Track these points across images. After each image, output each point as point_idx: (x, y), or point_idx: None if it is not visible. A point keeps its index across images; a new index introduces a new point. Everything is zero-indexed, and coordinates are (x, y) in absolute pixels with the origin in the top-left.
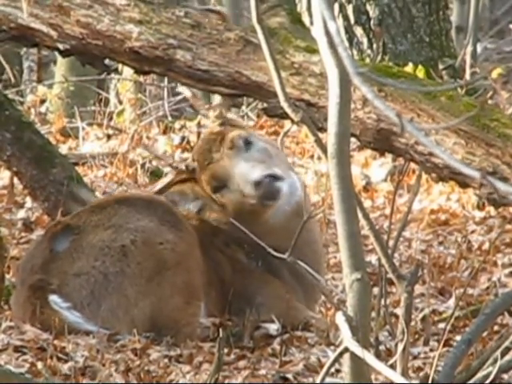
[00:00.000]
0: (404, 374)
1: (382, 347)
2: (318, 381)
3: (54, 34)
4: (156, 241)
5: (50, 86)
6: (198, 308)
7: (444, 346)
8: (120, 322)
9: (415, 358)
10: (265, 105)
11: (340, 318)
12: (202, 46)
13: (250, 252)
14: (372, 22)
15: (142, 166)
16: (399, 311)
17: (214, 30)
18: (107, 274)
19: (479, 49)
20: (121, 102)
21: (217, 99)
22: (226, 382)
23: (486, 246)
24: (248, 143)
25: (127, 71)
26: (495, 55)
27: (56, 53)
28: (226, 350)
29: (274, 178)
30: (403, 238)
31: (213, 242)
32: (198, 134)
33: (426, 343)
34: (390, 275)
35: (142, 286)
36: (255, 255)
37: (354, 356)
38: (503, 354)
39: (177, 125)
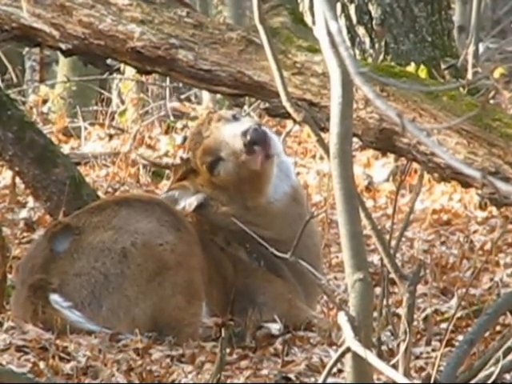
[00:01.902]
0: (406, 373)
1: (384, 347)
2: (320, 381)
3: (56, 33)
4: (156, 242)
5: (52, 86)
6: (199, 308)
7: (446, 345)
8: (121, 321)
9: (417, 357)
10: (267, 104)
11: (342, 318)
12: (204, 45)
13: (251, 251)
14: (374, 21)
15: (144, 165)
16: (401, 311)
17: (216, 30)
18: (108, 275)
19: (481, 48)
20: (123, 102)
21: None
22: (228, 381)
23: (488, 246)
24: (236, 118)
25: (129, 71)
26: (497, 55)
27: (58, 53)
28: (228, 350)
29: (260, 126)
30: (405, 238)
31: (213, 241)
32: None
33: (428, 343)
34: (392, 275)
35: (143, 286)
36: (257, 254)
37: (356, 356)
38: (505, 354)
39: (179, 124)
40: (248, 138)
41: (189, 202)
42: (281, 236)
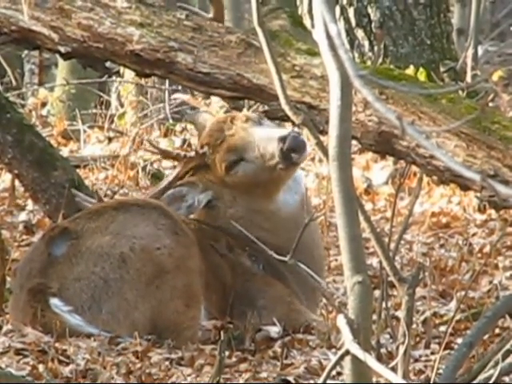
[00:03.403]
0: (405, 376)
1: (383, 350)
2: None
3: (55, 36)
4: (154, 246)
5: (52, 89)
6: (198, 311)
7: (445, 348)
8: (120, 325)
9: (416, 360)
10: (266, 107)
11: (341, 321)
12: (203, 48)
13: (253, 255)
14: (373, 24)
15: (144, 168)
16: (400, 314)
17: (215, 33)
18: (107, 280)
19: (480, 51)
20: (122, 105)
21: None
22: None
23: (487, 249)
24: (261, 122)
25: (128, 74)
26: (496, 58)
27: (57, 55)
28: (227, 353)
29: (300, 134)
30: (404, 241)
31: (212, 247)
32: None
33: (427, 346)
34: (391, 278)
35: (142, 290)
36: (258, 258)
37: (355, 359)
38: (504, 357)
39: (178, 127)
40: (287, 144)
41: (198, 199)
42: (286, 243)
